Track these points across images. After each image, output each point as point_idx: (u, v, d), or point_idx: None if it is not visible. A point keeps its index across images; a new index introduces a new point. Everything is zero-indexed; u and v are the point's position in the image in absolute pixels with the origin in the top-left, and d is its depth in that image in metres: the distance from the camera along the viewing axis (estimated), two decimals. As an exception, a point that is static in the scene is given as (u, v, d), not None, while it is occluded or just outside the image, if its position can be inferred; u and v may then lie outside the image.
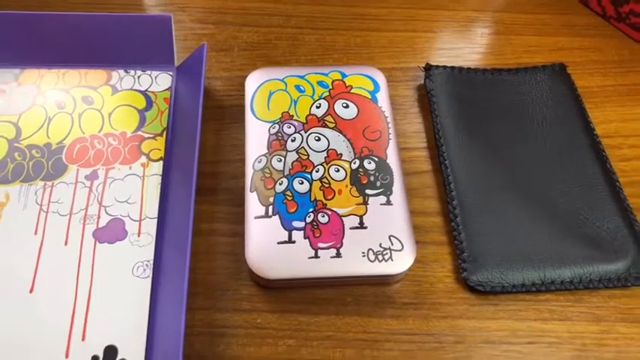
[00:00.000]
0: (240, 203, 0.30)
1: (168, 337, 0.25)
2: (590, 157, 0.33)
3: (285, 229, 0.28)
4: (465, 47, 0.39)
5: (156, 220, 0.29)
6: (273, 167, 0.30)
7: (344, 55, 0.38)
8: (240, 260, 0.29)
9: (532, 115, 0.35)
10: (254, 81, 0.34)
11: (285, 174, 0.30)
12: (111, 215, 0.29)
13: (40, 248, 0.27)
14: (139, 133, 0.32)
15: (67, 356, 0.25)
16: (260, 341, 0.27)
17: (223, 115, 0.34)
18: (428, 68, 0.36)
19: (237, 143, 0.33)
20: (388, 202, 0.29)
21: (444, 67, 0.36)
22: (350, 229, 0.28)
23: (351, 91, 0.33)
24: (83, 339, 0.25)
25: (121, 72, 0.34)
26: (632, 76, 0.37)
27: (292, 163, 0.30)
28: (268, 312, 0.27)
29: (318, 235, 0.28)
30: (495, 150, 0.33)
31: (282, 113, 0.32)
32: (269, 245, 0.27)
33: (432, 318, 0.28)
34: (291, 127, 0.32)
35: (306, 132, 0.31)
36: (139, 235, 0.28)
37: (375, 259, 0.27)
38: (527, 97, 0.35)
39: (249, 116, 0.32)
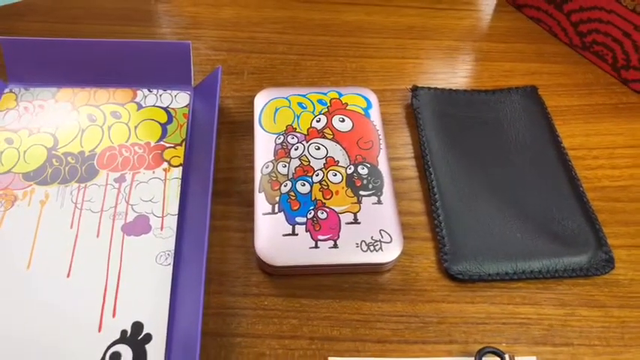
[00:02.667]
0: (249, 204, 0.34)
1: (187, 316, 0.29)
2: (558, 166, 0.37)
3: (289, 223, 0.32)
4: (448, 72, 0.44)
5: (176, 216, 0.33)
6: (279, 172, 0.34)
7: (341, 78, 0.43)
8: (249, 252, 0.33)
9: (507, 130, 0.39)
10: (262, 99, 0.38)
11: (289, 177, 0.34)
12: (137, 212, 0.33)
13: (76, 240, 0.32)
14: (161, 143, 0.36)
15: (99, 330, 0.29)
16: (267, 321, 0.30)
17: (235, 129, 0.39)
18: (414, 89, 0.41)
19: (247, 153, 0.37)
20: (379, 202, 0.33)
21: (429, 88, 0.41)
22: (345, 224, 0.32)
23: (347, 108, 0.38)
24: (114, 316, 0.29)
25: (145, 91, 0.39)
26: (595, 97, 0.42)
27: (295, 168, 0.34)
28: (274, 296, 0.31)
29: (317, 228, 0.32)
30: (474, 159, 0.37)
31: (287, 126, 0.37)
32: (275, 237, 0.31)
33: (417, 302, 0.32)
34: (295, 138, 0.36)
35: (307, 142, 0.36)
36: (161, 229, 0.32)
37: (367, 250, 0.31)
38: (503, 114, 0.40)
39: (257, 129, 0.37)
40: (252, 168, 0.35)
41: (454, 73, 0.44)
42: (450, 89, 0.41)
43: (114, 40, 0.39)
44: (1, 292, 0.29)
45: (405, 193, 0.36)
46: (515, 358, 0.29)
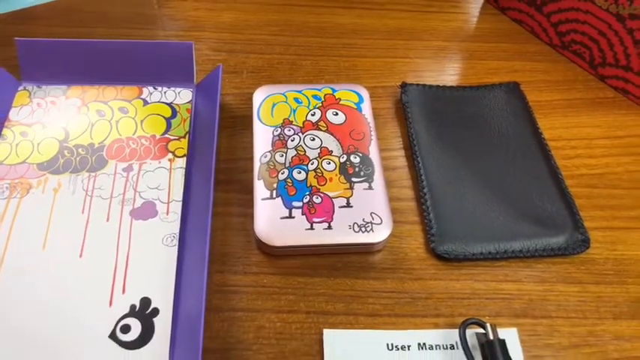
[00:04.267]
0: (248, 191, 0.36)
1: (192, 292, 0.31)
2: (539, 155, 0.40)
3: (286, 207, 0.34)
4: (436, 70, 0.46)
5: (181, 202, 0.35)
6: (277, 161, 0.37)
7: (334, 76, 0.45)
8: (249, 235, 0.35)
9: (491, 123, 0.42)
10: (260, 94, 0.41)
11: (286, 166, 0.36)
12: (144, 199, 0.35)
13: (87, 224, 0.34)
14: (166, 135, 0.39)
15: (110, 305, 0.31)
16: (266, 297, 0.33)
17: (235, 124, 0.41)
18: (404, 85, 0.43)
19: (247, 145, 0.40)
20: (370, 188, 0.36)
21: (417, 84, 0.43)
22: (339, 207, 0.35)
23: (340, 103, 0.41)
24: (123, 292, 0.31)
25: (150, 88, 0.41)
26: (574, 92, 0.45)
27: (292, 158, 0.37)
28: (273, 274, 0.34)
29: (313, 212, 0.34)
30: (459, 150, 0.40)
31: (284, 119, 0.39)
32: (273, 220, 0.34)
33: (406, 280, 0.34)
34: (291, 130, 0.39)
35: (303, 134, 0.38)
36: (167, 214, 0.35)
37: (359, 231, 0.34)
38: (487, 108, 0.43)
39: (256, 122, 0.39)
40: (251, 159, 0.38)
41: (442, 72, 0.46)
42: (438, 85, 0.44)
43: (121, 41, 0.41)
44: (19, 270, 0.31)
45: (395, 181, 0.39)
46: (497, 329, 0.31)
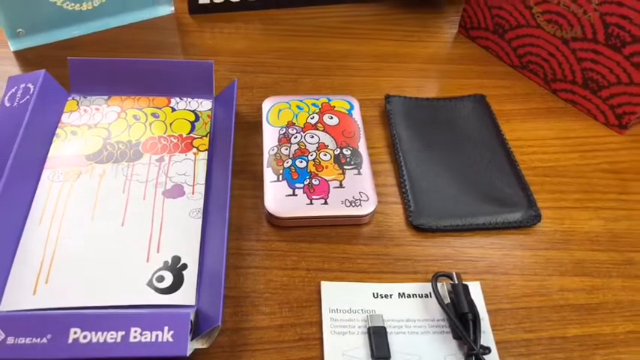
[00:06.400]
0: (259, 178, 0.44)
1: (214, 253, 0.38)
2: (501, 151, 0.48)
3: (290, 187, 0.42)
4: (415, 86, 0.55)
5: (204, 185, 0.43)
6: (282, 153, 0.45)
7: (330, 91, 0.54)
8: (260, 212, 0.42)
9: (461, 126, 0.50)
10: (268, 103, 0.49)
11: (290, 157, 0.44)
12: (173, 182, 0.43)
13: (127, 201, 0.41)
14: (191, 135, 0.47)
15: (147, 261, 0.38)
16: (274, 258, 0.40)
17: (247, 128, 0.49)
18: (388, 97, 0.52)
19: (257, 144, 0.47)
20: (359, 173, 0.43)
21: (399, 96, 0.52)
22: (333, 187, 0.42)
23: (335, 109, 0.49)
24: (158, 251, 0.38)
25: (177, 99, 0.50)
26: (531, 103, 0.53)
27: (295, 151, 0.45)
28: (279, 241, 0.41)
29: (312, 191, 0.42)
30: (434, 147, 0.48)
31: (288, 122, 0.47)
32: (280, 197, 0.41)
33: (389, 246, 0.41)
34: (294, 129, 0.47)
35: (304, 132, 0.46)
36: (193, 193, 0.42)
37: (350, 205, 0.41)
38: (458, 115, 0.51)
39: (265, 124, 0.47)
40: (261, 154, 0.46)
41: (420, 87, 0.55)
42: (417, 97, 0.52)
43: (153, 60, 0.50)
44: (74, 235, 0.39)
45: (380, 172, 0.46)
46: (463, 281, 0.38)
